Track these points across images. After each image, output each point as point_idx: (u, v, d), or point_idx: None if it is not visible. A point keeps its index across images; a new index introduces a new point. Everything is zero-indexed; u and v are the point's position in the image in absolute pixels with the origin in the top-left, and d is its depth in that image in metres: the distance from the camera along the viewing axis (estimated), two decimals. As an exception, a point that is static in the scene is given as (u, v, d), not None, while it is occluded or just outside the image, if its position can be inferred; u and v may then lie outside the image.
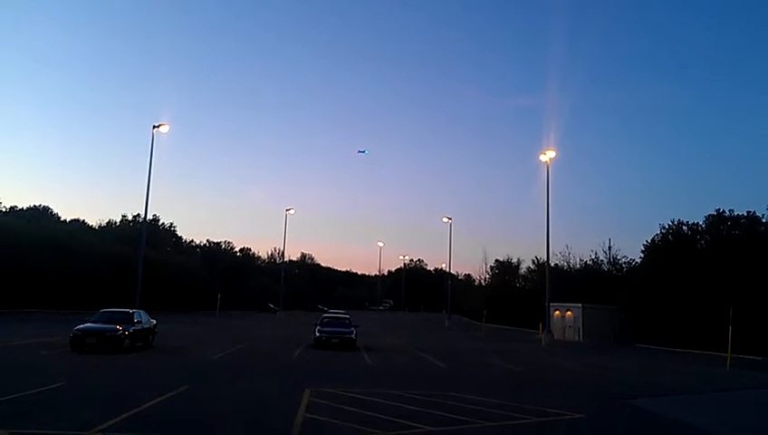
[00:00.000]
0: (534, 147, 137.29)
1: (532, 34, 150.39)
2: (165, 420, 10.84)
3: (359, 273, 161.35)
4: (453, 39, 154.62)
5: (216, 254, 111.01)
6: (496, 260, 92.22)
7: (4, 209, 70.19)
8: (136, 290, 38.27)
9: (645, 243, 48.22)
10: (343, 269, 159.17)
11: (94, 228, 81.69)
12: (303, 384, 15.24)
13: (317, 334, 28.27)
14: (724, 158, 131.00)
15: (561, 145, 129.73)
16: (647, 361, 30.68)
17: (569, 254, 65.76)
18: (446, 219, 79.11)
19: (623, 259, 57.57)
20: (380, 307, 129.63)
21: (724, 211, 43.99)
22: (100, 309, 25.13)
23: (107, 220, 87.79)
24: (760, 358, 32.22)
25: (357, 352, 26.67)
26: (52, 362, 18.59)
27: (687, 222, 45.69)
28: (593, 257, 61.30)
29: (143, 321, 24.56)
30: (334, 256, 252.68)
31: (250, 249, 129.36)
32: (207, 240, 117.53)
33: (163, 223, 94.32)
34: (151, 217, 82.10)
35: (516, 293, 73.34)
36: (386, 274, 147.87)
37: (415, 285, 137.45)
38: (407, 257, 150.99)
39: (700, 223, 45.00)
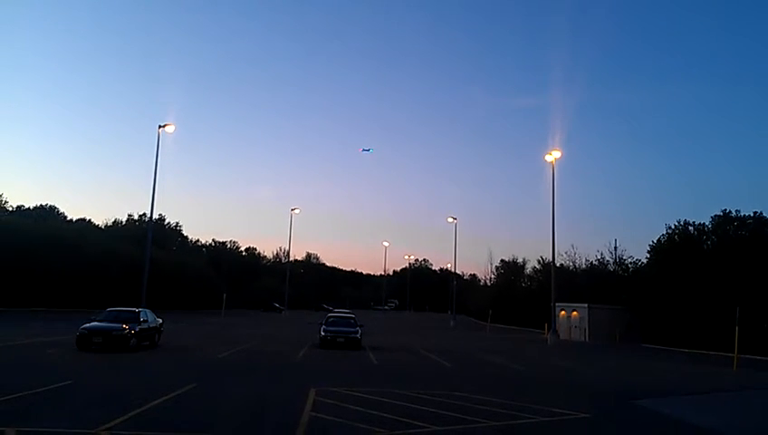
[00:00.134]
0: (540, 147, 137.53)
1: (537, 35, 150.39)
2: (171, 418, 10.87)
3: (364, 272, 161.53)
4: (458, 39, 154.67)
5: (221, 253, 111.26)
6: (502, 260, 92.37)
7: (10, 209, 70.55)
8: (142, 289, 38.44)
9: (651, 243, 48.19)
10: (348, 269, 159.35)
11: (100, 228, 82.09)
12: (309, 383, 15.27)
13: (322, 334, 28.29)
14: (730, 158, 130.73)
15: (567, 145, 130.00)
16: (653, 361, 30.58)
17: (575, 254, 65.85)
18: (451, 219, 79.19)
19: (629, 259, 57.58)
20: (386, 307, 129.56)
21: (730, 212, 43.92)
22: (107, 308, 25.23)
23: (113, 220, 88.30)
24: (767, 358, 32.09)
25: (362, 352, 26.69)
26: (59, 361, 18.65)
27: (694, 222, 45.66)
28: (599, 258, 61.32)
29: (149, 320, 24.63)
30: (339, 255, 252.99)
31: (255, 249, 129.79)
32: (213, 240, 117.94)
33: (169, 222, 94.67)
34: (157, 217, 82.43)
35: (522, 293, 73.24)
36: (391, 273, 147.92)
37: (420, 285, 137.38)
38: (412, 257, 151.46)
39: (706, 223, 44.93)
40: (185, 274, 71.95)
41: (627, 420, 13.34)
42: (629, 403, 15.17)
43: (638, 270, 53.34)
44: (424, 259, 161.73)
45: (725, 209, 44.06)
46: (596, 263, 61.72)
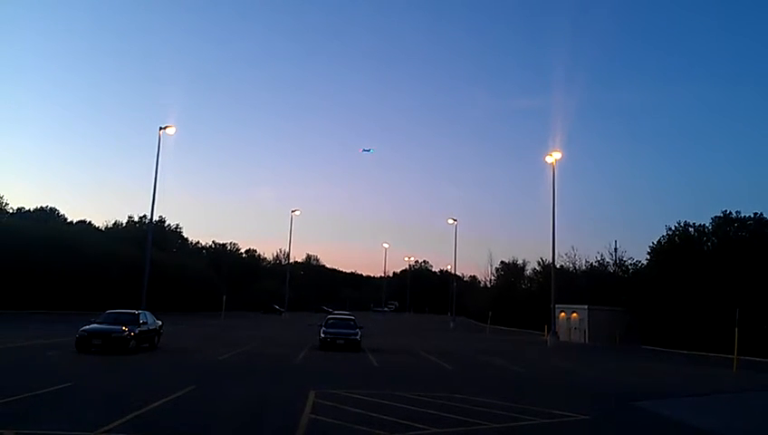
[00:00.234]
0: (540, 148, 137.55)
1: (538, 35, 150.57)
2: (171, 420, 10.85)
3: (364, 274, 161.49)
4: (458, 39, 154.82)
5: (221, 255, 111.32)
6: (502, 262, 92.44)
7: (11, 211, 70.55)
8: (142, 291, 38.41)
9: (651, 244, 48.17)
10: (348, 270, 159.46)
11: (101, 230, 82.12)
12: (308, 385, 15.26)
13: (322, 335, 28.28)
14: (730, 159, 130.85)
15: (567, 146, 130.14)
16: (653, 362, 30.56)
17: (575, 255, 65.84)
18: (451, 221, 79.24)
19: (629, 261, 57.57)
20: (386, 308, 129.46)
21: (730, 213, 43.89)
22: (106, 310, 25.19)
23: (113, 221, 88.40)
24: (767, 360, 32.07)
25: (362, 354, 26.66)
26: (59, 363, 18.64)
27: (694, 224, 45.64)
28: (599, 259, 61.31)
29: (149, 322, 24.61)
30: (339, 257, 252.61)
31: (255, 251, 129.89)
32: (213, 241, 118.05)
33: (169, 224, 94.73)
34: (157, 219, 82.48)
35: (522, 294, 73.23)
36: (391, 275, 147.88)
37: (420, 287, 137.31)
38: (412, 259, 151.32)
39: (706, 224, 44.89)
40: (185, 275, 71.95)
41: (627, 421, 13.32)
42: (629, 405, 15.16)
43: (638, 271, 53.32)
44: (424, 261, 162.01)
45: (726, 210, 44.09)
46: (596, 264, 61.77)
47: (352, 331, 28.91)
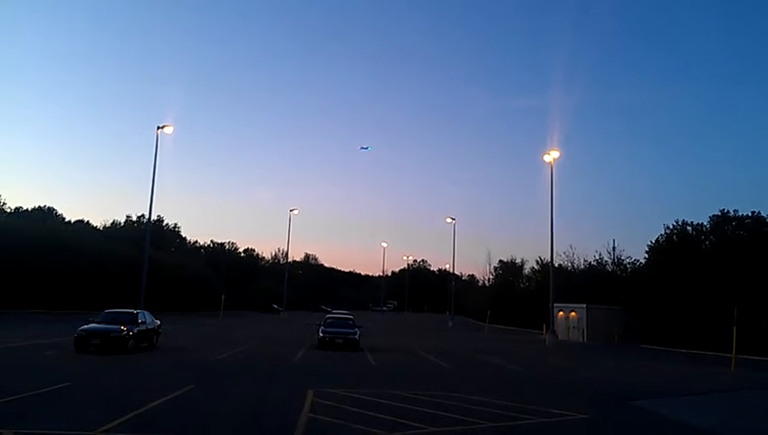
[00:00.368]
0: (539, 147, 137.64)
1: (537, 35, 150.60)
2: (170, 419, 10.87)
3: (362, 273, 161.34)
4: (458, 39, 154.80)
5: (220, 254, 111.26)
6: (500, 261, 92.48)
7: (8, 210, 70.42)
8: (140, 290, 38.41)
9: (649, 243, 48.23)
10: (347, 270, 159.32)
11: (98, 229, 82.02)
12: (307, 385, 15.27)
13: (320, 335, 28.29)
14: (729, 158, 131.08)
15: (566, 145, 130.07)
16: (651, 361, 30.61)
17: (573, 254, 65.88)
18: (449, 220, 79.31)
19: (627, 260, 57.63)
20: (384, 308, 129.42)
21: (728, 211, 43.94)
22: (105, 310, 25.19)
23: (111, 221, 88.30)
24: (765, 358, 32.13)
25: (360, 353, 26.68)
26: (57, 363, 18.64)
27: (692, 222, 45.68)
28: (597, 258, 61.36)
29: (147, 321, 24.61)
30: (338, 256, 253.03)
31: (254, 250, 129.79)
32: (211, 241, 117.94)
33: (167, 224, 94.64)
34: (155, 218, 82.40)
35: (520, 293, 73.30)
36: (390, 274, 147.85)
37: (418, 286, 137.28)
38: (410, 258, 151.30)
39: (705, 223, 44.96)
40: (183, 275, 71.91)
41: (625, 420, 13.35)
42: (628, 404, 15.19)
43: (637, 270, 53.38)
44: (422, 260, 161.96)
45: (724, 209, 44.14)
46: (594, 263, 61.83)
47: (351, 330, 28.92)
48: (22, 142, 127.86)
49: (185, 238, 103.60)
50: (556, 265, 51.57)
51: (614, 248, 59.37)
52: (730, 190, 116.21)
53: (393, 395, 14.30)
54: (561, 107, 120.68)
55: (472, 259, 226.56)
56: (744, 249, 39.19)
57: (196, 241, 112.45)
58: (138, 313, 24.49)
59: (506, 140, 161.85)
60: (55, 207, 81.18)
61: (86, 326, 22.06)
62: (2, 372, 16.50)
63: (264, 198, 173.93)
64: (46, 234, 54.64)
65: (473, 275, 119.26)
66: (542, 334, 46.96)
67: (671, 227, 46.28)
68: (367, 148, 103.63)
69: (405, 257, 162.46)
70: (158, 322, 26.30)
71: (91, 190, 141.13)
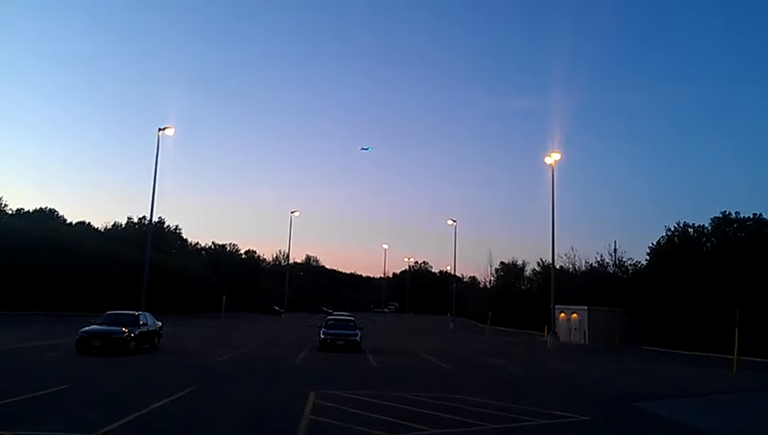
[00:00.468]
0: (539, 148, 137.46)
1: (537, 36, 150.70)
2: (171, 421, 10.86)
3: (363, 275, 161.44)
4: (458, 40, 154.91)
5: (221, 256, 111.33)
6: (501, 262, 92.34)
7: (10, 212, 70.56)
8: (141, 292, 38.39)
9: (651, 245, 48.16)
10: (348, 271, 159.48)
11: (100, 231, 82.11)
12: (308, 386, 15.26)
13: (322, 337, 28.27)
14: (730, 159, 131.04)
15: (567, 146, 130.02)
16: (652, 363, 30.56)
17: (574, 256, 65.80)
18: (450, 221, 79.30)
19: (629, 261, 57.50)
20: (385, 309, 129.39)
21: (730, 213, 43.91)
22: (106, 311, 25.20)
23: (113, 223, 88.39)
24: (767, 360, 32.07)
25: (362, 355, 26.67)
26: (58, 365, 18.64)
27: (693, 224, 45.65)
28: (599, 260, 61.28)
29: (149, 323, 24.63)
30: (339, 258, 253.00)
31: (255, 252, 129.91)
32: (213, 243, 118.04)
33: (169, 225, 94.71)
34: (157, 220, 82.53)
35: (521, 295, 73.20)
36: (391, 276, 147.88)
37: (420, 288, 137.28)
38: (412, 259, 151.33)
39: (706, 225, 44.91)
40: (184, 277, 71.97)
41: (626, 422, 13.33)
42: (629, 406, 15.16)
43: (638, 272, 53.31)
44: (424, 262, 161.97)
45: (725, 211, 44.11)
46: (595, 265, 61.74)
47: (352, 332, 28.90)
48: (23, 144, 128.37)
49: (186, 240, 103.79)
50: (557, 266, 51.59)
51: (615, 250, 59.39)
52: (731, 191, 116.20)
53: (394, 397, 14.29)
54: (561, 107, 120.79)
55: (473, 261, 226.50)
56: (745, 251, 39.14)
57: (198, 243, 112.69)
58: (139, 314, 24.50)
59: (506, 140, 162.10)
60: (56, 209, 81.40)
61: (87, 328, 22.07)
62: (2, 373, 16.49)
63: (265, 199, 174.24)
64: (47, 235, 54.70)
65: (474, 276, 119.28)
66: (544, 336, 46.89)
67: (672, 228, 46.28)
68: (367, 148, 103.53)
69: (406, 259, 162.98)
70: (160, 323, 26.32)
71: (92, 192, 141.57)
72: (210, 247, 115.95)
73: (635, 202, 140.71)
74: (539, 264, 72.96)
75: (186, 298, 69.34)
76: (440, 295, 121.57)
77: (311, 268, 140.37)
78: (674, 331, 40.26)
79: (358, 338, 28.50)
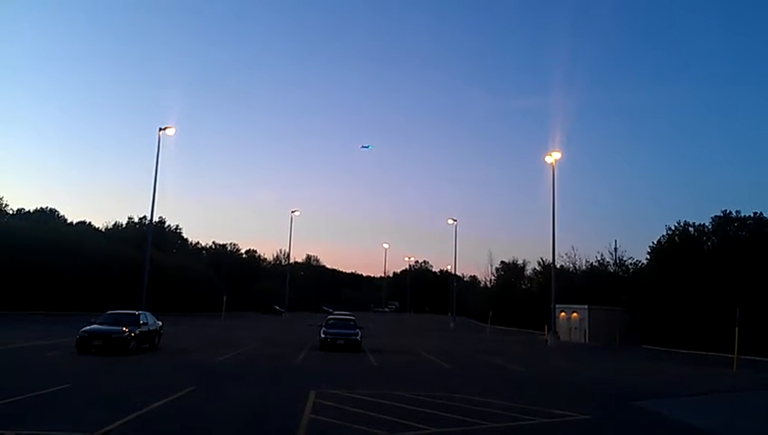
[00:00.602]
0: (540, 148, 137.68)
1: (537, 36, 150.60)
2: (171, 421, 10.87)
3: (364, 274, 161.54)
4: (458, 40, 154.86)
5: (221, 256, 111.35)
6: (502, 262, 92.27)
7: (10, 212, 70.56)
8: (142, 292, 38.42)
9: (651, 244, 48.17)
10: (348, 271, 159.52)
11: (100, 231, 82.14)
12: (309, 386, 15.27)
13: (322, 336, 28.27)
14: (730, 158, 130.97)
15: (567, 146, 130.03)
16: (653, 362, 30.56)
17: (575, 255, 65.86)
18: (451, 221, 79.32)
19: (629, 261, 57.59)
20: (386, 309, 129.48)
21: (730, 212, 43.89)
22: (107, 311, 25.21)
23: (113, 222, 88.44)
24: (767, 359, 32.07)
25: (362, 354, 26.67)
26: (59, 364, 18.66)
27: (694, 223, 45.63)
28: (599, 259, 61.32)
29: (149, 322, 24.63)
30: (339, 257, 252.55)
31: (256, 251, 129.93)
32: (213, 242, 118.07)
33: (169, 225, 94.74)
34: (157, 220, 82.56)
35: (522, 294, 73.24)
36: (391, 275, 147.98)
37: (420, 287, 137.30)
38: (412, 259, 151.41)
39: (706, 224, 44.90)
40: (185, 276, 72.02)
41: (627, 421, 13.33)
42: (629, 404, 15.17)
43: (639, 271, 53.32)
44: (424, 261, 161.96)
45: (726, 210, 44.08)
46: (596, 264, 61.76)
47: (352, 331, 28.91)
48: (23, 144, 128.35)
49: (186, 240, 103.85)
50: (558, 266, 51.61)
51: (616, 249, 59.42)
52: (730, 191, 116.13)
53: (395, 396, 14.30)
54: (561, 107, 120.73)
55: (473, 260, 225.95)
56: (745, 250, 39.14)
57: (198, 242, 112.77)
58: (139, 314, 24.51)
59: (507, 140, 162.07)
60: (57, 209, 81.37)
61: (88, 327, 22.08)
62: (3, 373, 16.50)
63: (266, 199, 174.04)
64: (48, 235, 54.72)
65: (474, 276, 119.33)
66: (544, 335, 46.91)
67: (673, 227, 46.28)
68: (368, 146, 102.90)
69: (406, 258, 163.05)
70: (160, 323, 26.33)
71: (92, 192, 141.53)
72: (211, 247, 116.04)
73: (635, 201, 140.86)
74: (539, 263, 73.07)
75: (186, 298, 69.38)
76: (441, 295, 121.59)
77: (311, 268, 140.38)
78: (674, 330, 40.26)
79: (358, 337, 28.50)
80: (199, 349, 26.15)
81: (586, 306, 48.46)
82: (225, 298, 58.46)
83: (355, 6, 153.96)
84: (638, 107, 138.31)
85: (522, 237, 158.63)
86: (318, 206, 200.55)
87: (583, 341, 47.14)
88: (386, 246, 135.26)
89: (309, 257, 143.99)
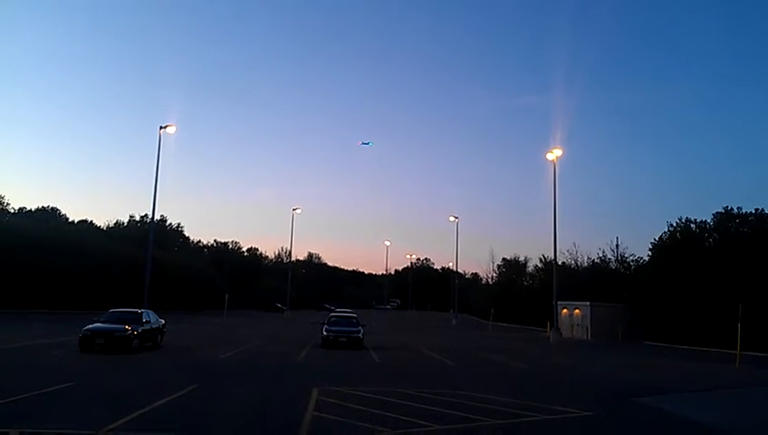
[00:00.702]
0: (541, 146, 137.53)
1: (538, 35, 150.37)
2: (174, 419, 10.90)
3: (366, 272, 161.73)
4: (459, 39, 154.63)
5: (223, 254, 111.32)
6: (503, 259, 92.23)
7: (12, 211, 70.64)
8: (144, 290, 38.47)
9: (653, 241, 48.12)
10: (350, 268, 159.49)
11: (102, 229, 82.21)
12: (311, 383, 15.30)
13: (324, 333, 28.28)
14: (731, 155, 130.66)
15: (568, 144, 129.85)
16: (655, 358, 30.57)
17: (576, 252, 65.87)
18: (452, 218, 79.32)
19: (631, 257, 57.56)
20: (388, 306, 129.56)
21: (732, 209, 43.82)
22: (109, 309, 25.22)
23: (115, 221, 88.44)
24: (769, 355, 32.06)
25: (364, 351, 26.70)
26: (62, 362, 18.70)
27: (695, 220, 45.58)
28: (601, 256, 61.30)
29: (152, 321, 24.65)
30: (341, 255, 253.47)
31: (257, 249, 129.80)
32: (215, 240, 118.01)
33: (171, 223, 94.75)
34: (159, 218, 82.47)
35: (524, 291, 73.25)
36: (393, 273, 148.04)
37: (422, 284, 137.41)
38: (414, 256, 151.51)
39: (708, 221, 44.88)
40: (187, 274, 72.01)
41: (629, 417, 13.35)
42: (632, 401, 15.17)
43: (640, 268, 53.30)
44: (426, 258, 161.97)
45: (727, 206, 44.03)
46: (598, 261, 61.76)
47: (355, 329, 28.93)
48: (25, 143, 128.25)
49: (188, 238, 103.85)
50: (560, 262, 51.67)
51: (617, 246, 59.38)
52: (731, 188, 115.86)
53: (397, 393, 14.32)
54: (561, 106, 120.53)
55: (475, 257, 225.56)
56: (747, 246, 39.12)
57: (200, 241, 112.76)
58: (142, 312, 24.54)
59: (508, 138, 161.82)
60: (59, 208, 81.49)
61: (90, 326, 22.11)
62: (7, 371, 16.55)
63: (267, 197, 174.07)
64: (50, 234, 54.76)
65: (476, 273, 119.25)
66: (546, 332, 46.93)
67: (674, 224, 46.25)
68: (368, 143, 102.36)
69: (408, 256, 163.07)
70: (163, 321, 26.34)
71: (94, 191, 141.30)
72: (212, 245, 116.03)
73: (637, 198, 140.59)
74: (541, 260, 73.04)
75: (188, 296, 69.41)
76: (442, 292, 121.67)
77: (313, 265, 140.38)
78: (676, 326, 40.25)
79: (360, 335, 28.51)
80: (202, 347, 26.19)
81: (588, 303, 48.47)
82: (227, 296, 58.49)
83: (355, 6, 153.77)
84: (638, 105, 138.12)
85: (523, 235, 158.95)
86: (319, 204, 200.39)
87: (585, 337, 47.17)
88: (387, 243, 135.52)
89: (310, 255, 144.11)
